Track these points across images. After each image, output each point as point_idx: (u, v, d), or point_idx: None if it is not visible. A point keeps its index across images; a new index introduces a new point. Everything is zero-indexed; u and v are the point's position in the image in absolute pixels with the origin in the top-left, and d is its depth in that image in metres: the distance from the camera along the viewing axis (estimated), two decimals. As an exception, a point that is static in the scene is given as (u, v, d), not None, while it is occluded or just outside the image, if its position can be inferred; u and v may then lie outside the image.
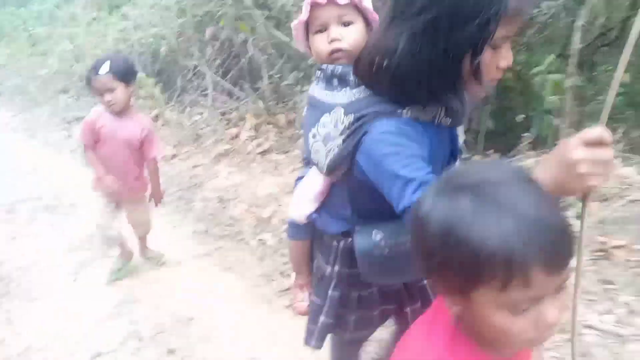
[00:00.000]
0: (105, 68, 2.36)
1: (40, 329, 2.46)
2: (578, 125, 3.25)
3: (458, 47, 0.90)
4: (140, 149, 2.62)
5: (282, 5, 4.34)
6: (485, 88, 1.00)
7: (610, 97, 0.79)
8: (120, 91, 2.42)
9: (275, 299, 2.56)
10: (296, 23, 1.18)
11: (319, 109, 1.12)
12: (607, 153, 0.75)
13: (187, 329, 2.37)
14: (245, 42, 4.91)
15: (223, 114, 5.37)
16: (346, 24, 1.13)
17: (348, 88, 1.07)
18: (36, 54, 9.34)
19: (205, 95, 5.67)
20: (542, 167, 0.82)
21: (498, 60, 0.95)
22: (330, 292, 1.30)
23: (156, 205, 2.81)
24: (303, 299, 1.49)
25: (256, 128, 4.76)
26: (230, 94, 5.48)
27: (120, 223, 2.79)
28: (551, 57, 2.99)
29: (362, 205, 1.15)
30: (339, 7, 1.11)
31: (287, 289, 2.59)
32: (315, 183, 1.24)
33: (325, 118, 1.09)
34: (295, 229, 1.40)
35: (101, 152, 2.58)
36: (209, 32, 5.34)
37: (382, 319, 1.43)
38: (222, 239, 3.26)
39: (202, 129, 5.29)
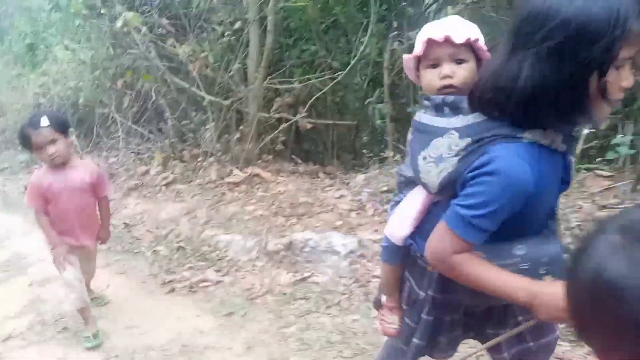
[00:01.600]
0: (45, 121, 2.42)
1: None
2: (400, 141, 4.31)
3: (584, 70, 0.96)
4: (94, 194, 2.71)
5: (180, 57, 5.28)
6: (610, 109, 1.08)
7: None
8: (61, 143, 2.49)
9: (157, 290, 3.31)
10: (409, 56, 1.28)
11: (429, 133, 1.19)
12: None
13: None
14: (150, 90, 5.78)
15: (137, 154, 6.15)
16: (459, 62, 1.21)
17: (461, 115, 1.14)
18: (-45, 112, 9.80)
19: (121, 139, 6.45)
20: (541, 286, 1.04)
21: (621, 80, 1.00)
22: (424, 316, 1.38)
23: (102, 243, 2.94)
24: (393, 321, 1.54)
25: (164, 164, 5.56)
26: (142, 136, 6.28)
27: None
28: (377, 91, 4.03)
29: None
30: (454, 46, 1.19)
31: (169, 282, 3.36)
32: (415, 204, 1.32)
33: (438, 142, 1.15)
34: (391, 253, 1.46)
35: (57, 211, 2.61)
36: (119, 83, 6.18)
37: (463, 339, 1.53)
38: (121, 254, 3.99)
39: (116, 169, 6.02)
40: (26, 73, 8.98)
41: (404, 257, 1.44)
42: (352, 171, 4.71)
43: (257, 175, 4.77)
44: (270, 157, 5.30)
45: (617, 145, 2.96)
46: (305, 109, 5.11)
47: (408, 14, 5.55)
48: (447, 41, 1.18)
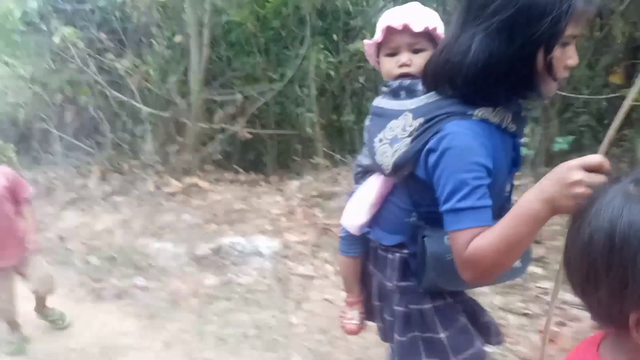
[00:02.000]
0: None
1: None
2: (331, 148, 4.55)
3: (533, 44, 0.98)
4: (12, 199, 2.57)
5: (119, 70, 5.38)
6: (557, 86, 1.08)
7: (612, 131, 1.05)
8: None
9: (85, 298, 3.38)
10: (370, 42, 1.29)
11: (386, 117, 1.21)
12: (602, 179, 0.83)
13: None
14: (89, 104, 5.84)
15: (76, 167, 6.17)
16: (417, 51, 1.24)
17: (416, 97, 1.16)
18: None
19: (60, 153, 6.45)
20: (539, 183, 0.93)
21: (566, 58, 1.03)
22: (395, 307, 1.31)
23: (30, 252, 2.65)
24: (353, 317, 1.51)
25: (103, 176, 5.60)
26: (81, 150, 6.31)
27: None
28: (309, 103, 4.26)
29: (427, 208, 1.18)
30: (412, 35, 1.22)
31: (97, 289, 3.44)
32: (371, 192, 1.30)
33: (393, 123, 1.17)
34: (348, 244, 1.44)
35: None
36: (59, 97, 6.21)
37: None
38: (52, 265, 4.01)
39: (55, 183, 6.01)
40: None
41: (362, 248, 1.42)
42: (288, 178, 4.89)
43: (195, 185, 4.90)
44: (212, 167, 5.44)
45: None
46: (245, 119, 5.30)
47: (347, 27, 5.87)
48: (406, 29, 1.20)
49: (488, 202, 1.02)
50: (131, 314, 3.03)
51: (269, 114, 5.85)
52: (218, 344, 2.62)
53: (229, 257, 3.41)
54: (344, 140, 5.24)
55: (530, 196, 0.93)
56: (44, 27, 5.96)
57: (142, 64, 5.55)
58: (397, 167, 1.14)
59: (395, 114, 1.17)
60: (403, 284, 1.28)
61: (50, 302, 2.89)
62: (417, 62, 1.22)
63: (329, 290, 3.00)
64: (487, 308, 1.40)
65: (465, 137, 1.03)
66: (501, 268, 1.01)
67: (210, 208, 4.31)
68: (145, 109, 5.35)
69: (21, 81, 7.06)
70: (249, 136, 5.30)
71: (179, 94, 5.39)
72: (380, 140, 1.19)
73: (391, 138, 1.16)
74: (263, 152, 5.99)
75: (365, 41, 1.31)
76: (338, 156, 4.59)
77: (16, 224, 2.58)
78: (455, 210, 1.01)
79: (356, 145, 5.13)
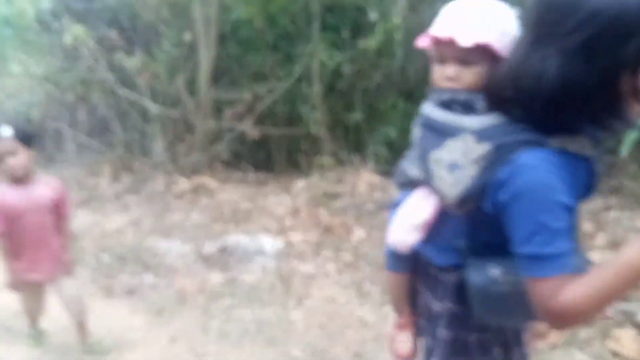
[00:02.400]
0: (7, 131, 2.29)
1: None
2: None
3: (618, 66, 0.90)
4: (56, 213, 2.55)
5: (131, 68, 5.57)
6: None
7: None
8: (23, 155, 2.33)
9: (96, 294, 3.57)
10: (422, 43, 1.16)
11: (440, 132, 1.09)
12: None
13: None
14: (100, 102, 6.05)
15: (88, 167, 6.39)
16: (466, 64, 1.10)
17: (475, 115, 1.05)
18: None
19: (73, 152, 6.69)
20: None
21: None
22: (440, 330, 1.25)
23: (65, 271, 2.66)
24: (405, 340, 1.43)
25: (114, 175, 5.81)
26: (93, 149, 6.53)
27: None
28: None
29: (481, 238, 1.13)
30: (459, 48, 1.07)
31: (108, 286, 3.62)
32: (422, 210, 1.21)
33: (451, 144, 1.06)
34: (396, 261, 1.36)
35: (17, 231, 2.45)
36: (71, 96, 6.43)
37: None
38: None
39: (67, 182, 6.24)
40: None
41: (410, 265, 1.34)
42: (295, 178, 5.04)
43: (203, 184, 5.07)
44: (220, 166, 5.61)
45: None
46: (254, 118, 5.45)
47: (358, 23, 5.98)
48: (451, 42, 1.07)
49: (571, 245, 0.95)
50: (140, 310, 3.21)
51: (278, 113, 5.99)
52: (221, 338, 2.78)
53: (234, 255, 3.57)
54: (352, 139, 5.36)
55: (637, 248, 0.88)
56: (56, 26, 6.19)
57: (152, 62, 5.73)
58: (462, 201, 1.05)
59: (451, 131, 1.06)
60: (454, 308, 1.22)
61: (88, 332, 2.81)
62: (467, 77, 1.10)
63: (329, 288, 3.15)
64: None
65: (542, 171, 0.94)
66: (594, 315, 1.02)
67: (218, 207, 4.48)
68: (154, 108, 5.53)
69: (34, 80, 7.32)
70: (256, 135, 5.45)
71: (187, 92, 5.55)
72: (437, 162, 1.09)
73: (450, 163, 1.05)
74: (272, 151, 6.14)
75: (419, 41, 1.17)
76: (344, 156, 4.71)
77: (54, 238, 2.57)
78: (536, 257, 0.94)
79: (363, 144, 5.26)
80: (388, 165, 4.83)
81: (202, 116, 5.39)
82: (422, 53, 1.29)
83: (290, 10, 5.89)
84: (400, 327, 1.44)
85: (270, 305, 3.05)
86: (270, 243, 3.55)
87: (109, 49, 5.84)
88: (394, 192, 3.97)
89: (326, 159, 4.65)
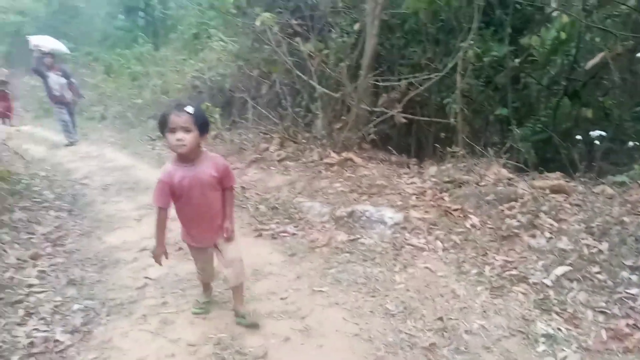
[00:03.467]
0: (189, 109, 2.52)
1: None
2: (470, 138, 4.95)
3: None
4: (220, 187, 2.79)
5: (303, 53, 6.47)
6: None
7: None
8: (193, 135, 2.55)
9: (249, 234, 4.51)
10: None
11: None
12: None
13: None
14: (277, 80, 7.11)
15: (264, 133, 7.57)
16: None
17: None
18: (134, 87, 12.46)
19: (252, 120, 7.94)
20: None
21: None
22: None
23: (227, 237, 2.90)
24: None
25: (281, 143, 6.84)
26: (268, 119, 7.68)
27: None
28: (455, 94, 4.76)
29: None
30: None
31: (259, 229, 4.54)
32: None
33: None
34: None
35: (188, 206, 2.74)
36: (255, 72, 7.63)
37: None
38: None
39: (245, 144, 7.50)
40: (188, 58, 11.08)
41: None
42: (431, 164, 5.46)
43: (350, 159, 5.77)
44: (368, 145, 6.26)
45: None
46: (403, 105, 5.96)
47: (520, 20, 6.07)
48: None
49: None
50: (278, 251, 4.04)
51: (427, 102, 6.41)
52: (334, 283, 3.45)
53: (359, 221, 4.21)
54: (493, 132, 5.56)
55: None
56: (249, 12, 7.37)
57: (324, 48, 6.55)
58: None
59: None
60: None
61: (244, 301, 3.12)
62: None
63: (433, 261, 3.61)
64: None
65: None
66: None
67: (357, 180, 5.15)
68: (319, 89, 6.36)
69: (229, 56, 8.75)
70: (403, 121, 5.96)
71: (348, 77, 6.26)
72: None
73: None
74: (416, 137, 6.60)
75: None
76: (479, 148, 4.99)
77: (219, 211, 2.84)
78: None
79: (504, 139, 5.42)
80: (526, 163, 4.98)
81: (358, 100, 6.06)
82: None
83: (454, 4, 6.20)
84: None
85: (379, 266, 3.62)
86: (390, 215, 4.10)
87: (290, 34, 6.82)
88: (517, 186, 4.21)
89: (460, 149, 4.98)
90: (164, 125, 2.58)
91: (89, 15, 19.28)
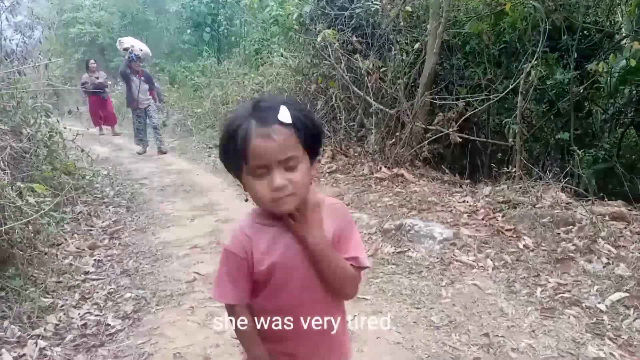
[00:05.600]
0: (285, 114, 1.38)
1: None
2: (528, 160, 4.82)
3: None
4: None
5: (362, 69, 6.56)
6: None
7: None
8: (304, 169, 0.93)
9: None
10: None
11: None
12: None
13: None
14: (334, 94, 7.21)
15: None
16: None
17: None
18: (196, 98, 12.94)
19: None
20: None
21: None
22: None
23: None
24: None
25: (332, 156, 6.92)
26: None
27: None
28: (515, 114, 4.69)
29: None
30: None
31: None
32: None
33: None
34: None
35: (280, 301, 1.33)
36: (313, 87, 7.78)
37: None
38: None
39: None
40: (249, 72, 11.43)
41: None
42: (485, 184, 5.36)
43: (402, 175, 5.76)
44: (420, 163, 6.23)
45: None
46: (457, 124, 5.91)
47: (588, 47, 5.92)
48: None
49: None
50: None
51: (485, 123, 6.33)
52: (378, 292, 3.43)
53: (407, 234, 4.17)
54: (553, 156, 5.41)
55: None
56: (311, 28, 7.55)
57: (382, 65, 6.61)
58: None
59: None
60: None
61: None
62: None
63: (482, 279, 3.53)
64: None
65: None
66: None
67: (407, 196, 5.12)
68: (375, 105, 6.41)
69: (289, 70, 8.96)
70: (459, 140, 5.89)
71: (405, 95, 6.28)
72: None
73: None
74: (471, 157, 6.50)
75: None
76: (536, 170, 4.86)
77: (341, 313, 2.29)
78: None
79: (564, 163, 5.26)
80: (586, 189, 4.80)
81: (414, 117, 6.06)
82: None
83: (518, 26, 6.13)
84: None
85: (425, 279, 3.58)
86: (440, 231, 4.04)
87: (350, 51, 6.93)
88: (575, 210, 4.07)
89: (517, 170, 4.87)
90: (233, 157, 1.23)
91: (159, 29, 20.28)
